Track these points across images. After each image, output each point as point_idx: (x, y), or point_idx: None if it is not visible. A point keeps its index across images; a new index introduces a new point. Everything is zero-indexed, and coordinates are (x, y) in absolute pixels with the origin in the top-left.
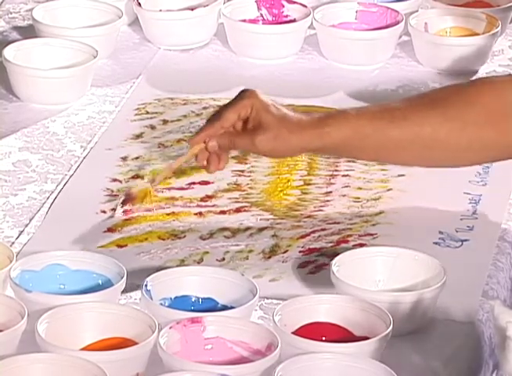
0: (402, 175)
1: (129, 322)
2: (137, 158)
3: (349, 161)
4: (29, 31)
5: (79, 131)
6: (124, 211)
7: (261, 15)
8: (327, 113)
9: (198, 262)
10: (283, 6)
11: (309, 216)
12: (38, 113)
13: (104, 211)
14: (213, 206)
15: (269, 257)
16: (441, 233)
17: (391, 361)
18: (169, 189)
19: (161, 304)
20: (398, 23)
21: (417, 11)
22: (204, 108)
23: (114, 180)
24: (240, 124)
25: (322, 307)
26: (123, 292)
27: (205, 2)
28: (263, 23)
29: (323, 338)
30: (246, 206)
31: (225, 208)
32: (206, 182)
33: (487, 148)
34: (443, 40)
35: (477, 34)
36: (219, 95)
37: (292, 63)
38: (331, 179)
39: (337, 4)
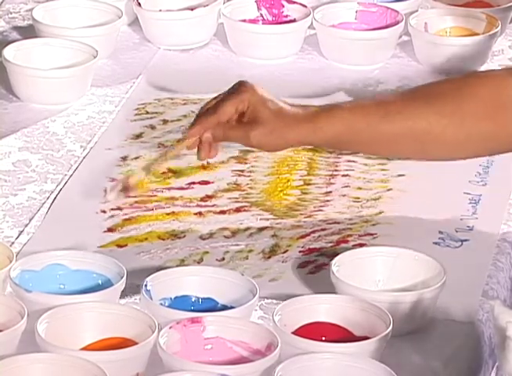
0: (402, 175)
1: (129, 322)
2: (137, 158)
3: (349, 161)
4: (29, 31)
5: (79, 131)
6: (117, 197)
7: (261, 15)
8: (322, 108)
9: (198, 262)
10: (283, 6)
11: (309, 216)
12: (38, 113)
13: (104, 211)
14: (213, 206)
15: (269, 257)
16: (441, 233)
17: (391, 361)
18: (169, 189)
19: (161, 304)
20: (398, 23)
21: (417, 11)
22: None
23: (114, 180)
24: (235, 117)
25: (322, 307)
26: (123, 292)
27: (205, 2)
28: (263, 23)
29: (323, 338)
30: (246, 206)
31: (225, 208)
32: (206, 182)
33: (485, 141)
34: (443, 40)
35: (477, 34)
36: None
37: (292, 63)
38: (331, 179)
39: (337, 4)
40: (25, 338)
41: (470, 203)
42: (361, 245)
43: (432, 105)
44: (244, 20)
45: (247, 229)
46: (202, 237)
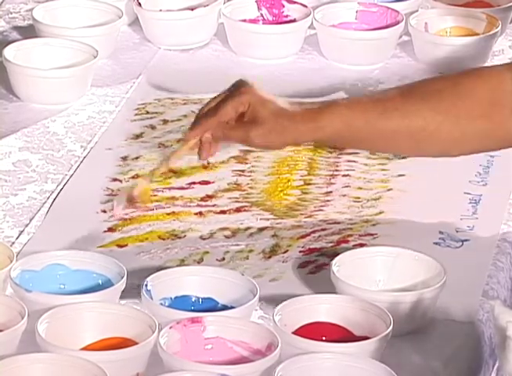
0: (402, 175)
1: (129, 322)
2: (137, 158)
3: (350, 161)
4: (29, 31)
5: (79, 131)
6: (124, 209)
7: (262, 15)
8: (320, 106)
9: (198, 262)
10: (283, 6)
11: (309, 216)
12: (38, 113)
13: (104, 211)
14: (213, 206)
15: (269, 257)
16: (441, 233)
17: (391, 361)
18: (169, 188)
19: (161, 304)
20: (398, 23)
21: (417, 11)
22: None
23: (114, 180)
24: (235, 117)
25: (322, 307)
26: (123, 292)
27: (205, 2)
28: (263, 23)
29: (323, 338)
30: (246, 206)
31: (226, 208)
32: (206, 182)
33: (480, 138)
34: (443, 40)
35: (477, 34)
36: None
37: (292, 63)
38: (331, 179)
39: (337, 4)
40: (25, 338)
41: (471, 203)
42: (361, 245)
43: (428, 101)
44: (244, 20)
45: (248, 229)
46: (202, 237)
